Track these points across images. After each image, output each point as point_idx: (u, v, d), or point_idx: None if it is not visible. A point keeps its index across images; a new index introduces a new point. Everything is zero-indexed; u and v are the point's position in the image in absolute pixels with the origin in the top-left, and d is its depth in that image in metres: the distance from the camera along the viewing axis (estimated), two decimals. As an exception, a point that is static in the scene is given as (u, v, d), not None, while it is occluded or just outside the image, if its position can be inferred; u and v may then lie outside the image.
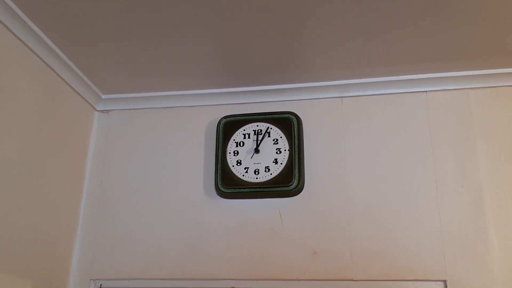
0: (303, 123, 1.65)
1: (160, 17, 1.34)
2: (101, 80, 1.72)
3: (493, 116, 1.58)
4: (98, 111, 1.83)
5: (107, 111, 1.83)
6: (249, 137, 1.65)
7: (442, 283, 1.44)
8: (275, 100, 1.73)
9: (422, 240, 1.48)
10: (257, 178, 1.58)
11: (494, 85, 1.61)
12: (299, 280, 1.50)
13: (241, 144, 1.64)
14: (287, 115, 1.64)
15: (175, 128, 1.77)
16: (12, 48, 1.35)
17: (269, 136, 1.63)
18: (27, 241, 1.40)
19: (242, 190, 1.58)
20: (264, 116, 1.66)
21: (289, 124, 1.63)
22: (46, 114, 1.51)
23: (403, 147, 1.60)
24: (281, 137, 1.62)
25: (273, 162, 1.59)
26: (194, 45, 1.48)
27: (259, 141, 1.63)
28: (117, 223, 1.67)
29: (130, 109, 1.81)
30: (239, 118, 1.68)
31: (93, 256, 1.64)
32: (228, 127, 1.67)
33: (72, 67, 1.59)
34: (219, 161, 1.63)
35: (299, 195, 1.59)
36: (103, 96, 1.81)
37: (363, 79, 1.67)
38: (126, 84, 1.73)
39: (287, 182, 1.55)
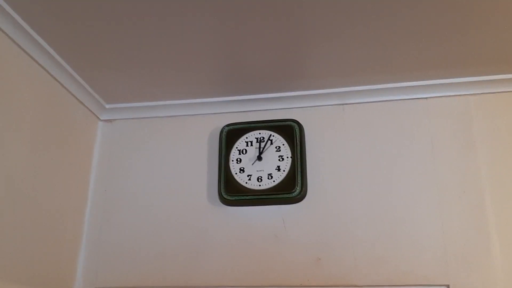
0: (305, 130, 1.66)
1: (163, 27, 1.36)
2: (105, 90, 1.73)
3: (494, 122, 1.59)
4: (102, 120, 1.84)
5: (110, 120, 1.84)
6: (251, 145, 1.66)
7: (445, 288, 1.45)
8: (277, 108, 1.75)
9: (425, 245, 1.49)
10: (260, 185, 1.59)
11: (494, 91, 1.62)
12: (303, 286, 1.51)
13: (244, 152, 1.65)
14: (289, 123, 1.66)
15: (178, 136, 1.78)
16: (16, 59, 1.37)
17: (271, 143, 1.65)
18: (32, 250, 1.41)
19: (245, 197, 1.59)
20: (266, 124, 1.68)
21: (291, 131, 1.64)
22: (50, 124, 1.52)
23: (404, 153, 1.61)
24: (283, 145, 1.63)
25: (275, 169, 1.60)
26: (196, 54, 1.49)
27: (261, 149, 1.64)
28: (122, 231, 1.68)
29: (133, 118, 1.83)
30: (242, 126, 1.69)
31: (98, 264, 1.65)
32: (230, 135, 1.69)
33: (75, 77, 1.61)
34: (222, 169, 1.64)
35: (302, 202, 1.60)
36: (107, 106, 1.83)
37: (364, 87, 1.68)
38: (130, 93, 1.75)
39: (290, 189, 1.56)
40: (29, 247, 1.39)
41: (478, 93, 1.63)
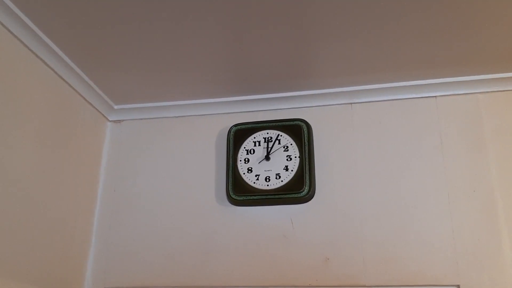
0: (313, 130, 1.66)
1: (170, 28, 1.36)
2: (113, 91, 1.74)
3: (503, 120, 1.58)
4: (110, 121, 1.86)
5: (119, 121, 1.85)
6: (259, 145, 1.66)
7: (455, 288, 1.44)
8: (284, 107, 1.74)
9: (435, 245, 1.48)
10: (268, 185, 1.59)
11: (503, 89, 1.61)
12: (311, 286, 1.50)
13: (252, 152, 1.65)
14: (297, 122, 1.65)
15: (186, 136, 1.79)
16: (25, 60, 1.38)
17: (279, 143, 1.64)
18: (42, 250, 1.42)
19: (254, 197, 1.59)
20: (274, 124, 1.67)
21: (299, 131, 1.64)
22: (59, 125, 1.53)
23: (413, 152, 1.60)
24: (291, 144, 1.63)
25: (283, 169, 1.60)
26: (204, 54, 1.50)
27: (269, 149, 1.64)
28: (131, 231, 1.68)
29: (142, 119, 1.84)
30: (249, 126, 1.69)
31: (107, 264, 1.65)
32: (238, 135, 1.69)
33: (84, 78, 1.62)
34: (230, 169, 1.64)
35: (310, 201, 1.60)
36: (115, 107, 1.84)
37: (373, 85, 1.67)
38: (138, 94, 1.76)
39: (298, 189, 1.56)
40: (38, 247, 1.40)
41: (487, 91, 1.61)
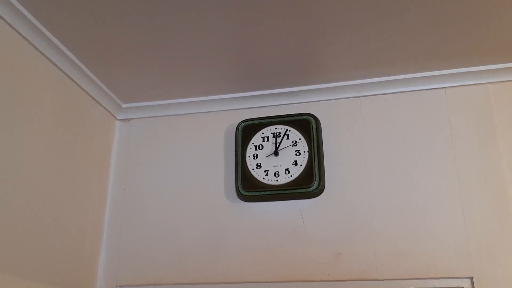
0: (321, 124, 1.65)
1: (177, 26, 1.36)
2: (121, 90, 1.75)
3: (515, 110, 1.56)
4: (119, 120, 1.86)
5: (127, 119, 1.86)
6: (268, 140, 1.66)
7: (468, 280, 1.42)
8: (292, 102, 1.74)
9: (447, 237, 1.47)
10: (277, 180, 1.59)
11: (514, 79, 1.59)
12: (323, 281, 1.50)
13: (260, 147, 1.65)
14: (305, 117, 1.64)
15: (194, 134, 1.79)
16: (33, 60, 1.39)
17: (287, 138, 1.64)
18: (54, 249, 1.43)
19: (263, 193, 1.59)
20: (282, 119, 1.67)
21: (307, 125, 1.63)
22: (69, 124, 1.54)
23: (423, 144, 1.59)
24: (300, 139, 1.62)
25: (292, 164, 1.59)
26: (211, 51, 1.50)
27: (278, 144, 1.63)
28: (141, 229, 1.69)
29: (150, 117, 1.84)
30: (257, 121, 1.69)
31: (119, 262, 1.66)
32: (246, 131, 1.68)
33: (92, 77, 1.63)
34: (239, 165, 1.64)
35: (320, 196, 1.59)
36: (124, 105, 1.85)
37: (381, 78, 1.66)
38: (146, 92, 1.76)
39: (308, 184, 1.55)
40: (50, 247, 1.41)
41: (497, 81, 1.60)
